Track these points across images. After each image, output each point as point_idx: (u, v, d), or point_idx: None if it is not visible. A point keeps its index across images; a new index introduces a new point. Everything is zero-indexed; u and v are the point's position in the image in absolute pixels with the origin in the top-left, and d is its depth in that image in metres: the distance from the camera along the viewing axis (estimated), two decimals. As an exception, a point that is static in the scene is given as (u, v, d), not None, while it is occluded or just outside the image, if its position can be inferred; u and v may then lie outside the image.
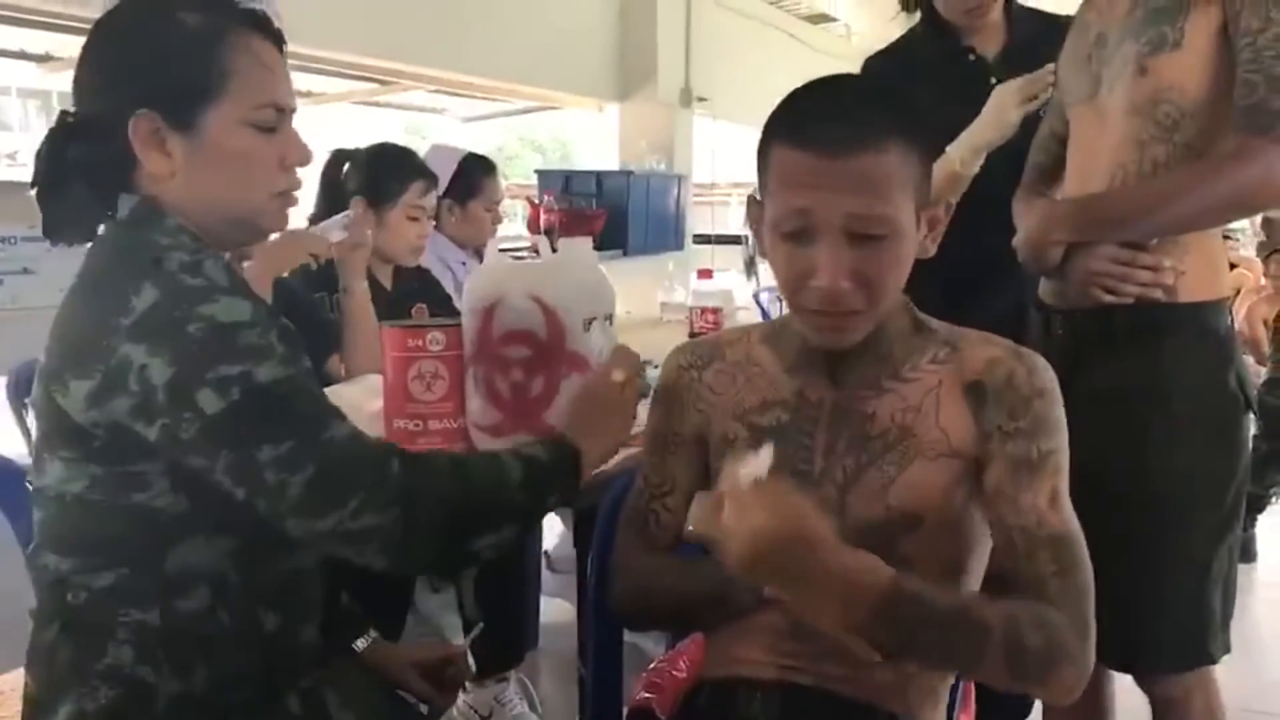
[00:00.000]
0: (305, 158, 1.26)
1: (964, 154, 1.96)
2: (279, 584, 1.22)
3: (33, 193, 1.20)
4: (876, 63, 2.28)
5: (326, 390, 1.72)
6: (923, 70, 2.14)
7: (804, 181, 1.12)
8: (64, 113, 1.20)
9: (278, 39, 1.24)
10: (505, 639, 2.44)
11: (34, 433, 1.20)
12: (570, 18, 5.68)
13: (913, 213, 1.16)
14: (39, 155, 1.18)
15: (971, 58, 2.18)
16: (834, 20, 8.15)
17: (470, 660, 1.72)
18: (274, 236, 1.94)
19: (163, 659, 1.13)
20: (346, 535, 1.07)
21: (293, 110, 1.25)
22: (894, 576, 1.06)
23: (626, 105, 6.15)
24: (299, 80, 5.73)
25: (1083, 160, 1.69)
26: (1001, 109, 1.93)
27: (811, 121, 1.13)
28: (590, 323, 1.60)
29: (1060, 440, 1.18)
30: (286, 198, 1.27)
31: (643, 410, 1.39)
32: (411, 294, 2.50)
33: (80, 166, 1.17)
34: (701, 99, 6.34)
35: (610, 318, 1.68)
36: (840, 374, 1.25)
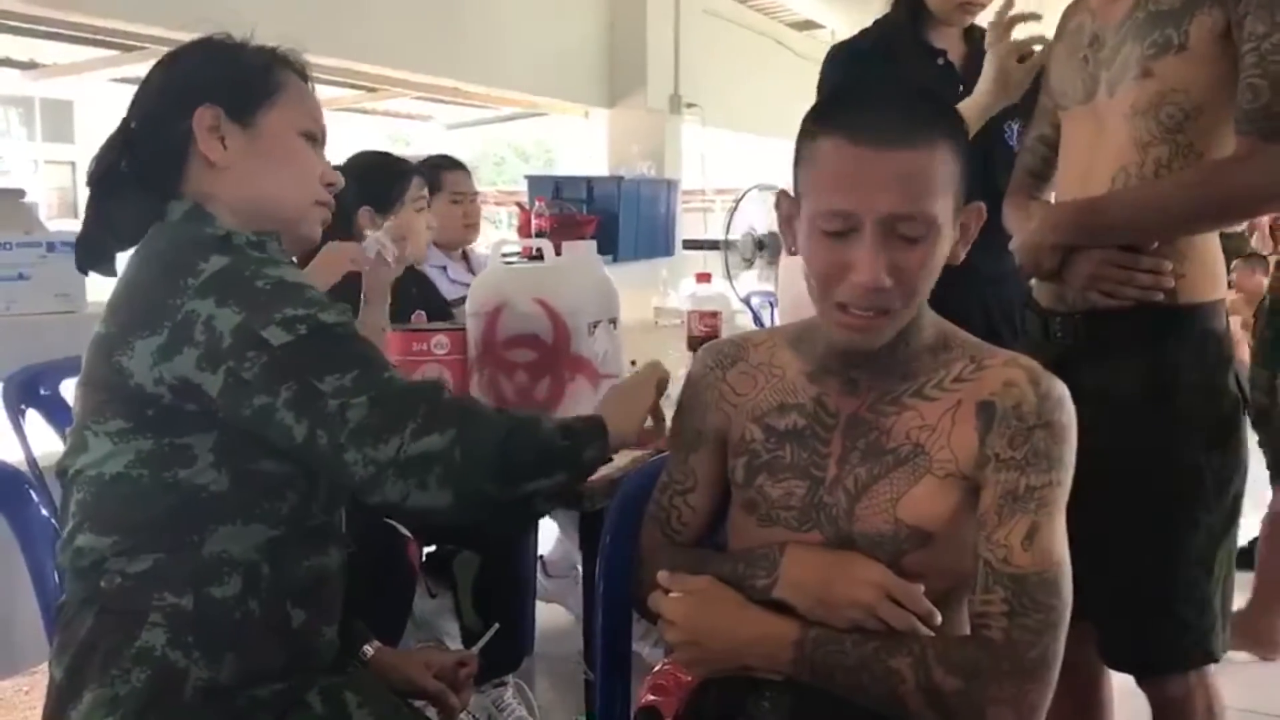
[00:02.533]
0: (338, 180, 1.35)
1: (971, 115, 1.93)
2: (307, 580, 1.24)
3: (83, 210, 1.28)
4: (843, 52, 2.29)
5: None
6: (899, 65, 2.15)
7: (852, 175, 1.12)
8: (125, 120, 1.28)
9: (311, 82, 1.37)
10: (503, 645, 2.42)
11: (77, 411, 1.23)
12: (560, 25, 5.69)
13: (951, 215, 1.16)
14: (95, 164, 1.26)
15: (941, 61, 2.20)
16: (821, 27, 8.18)
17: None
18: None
19: (193, 644, 1.15)
20: (409, 462, 1.08)
21: (325, 140, 1.36)
22: (802, 626, 1.17)
23: (616, 111, 6.16)
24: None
25: (1080, 163, 1.69)
26: (1004, 70, 1.89)
27: (863, 115, 1.13)
28: (595, 326, 1.61)
29: (1056, 476, 1.16)
30: (325, 209, 1.34)
31: (667, 410, 1.40)
32: (408, 300, 2.50)
33: (134, 170, 1.25)
34: (691, 105, 6.35)
35: (615, 321, 1.69)
36: (863, 385, 1.25)
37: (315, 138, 1.33)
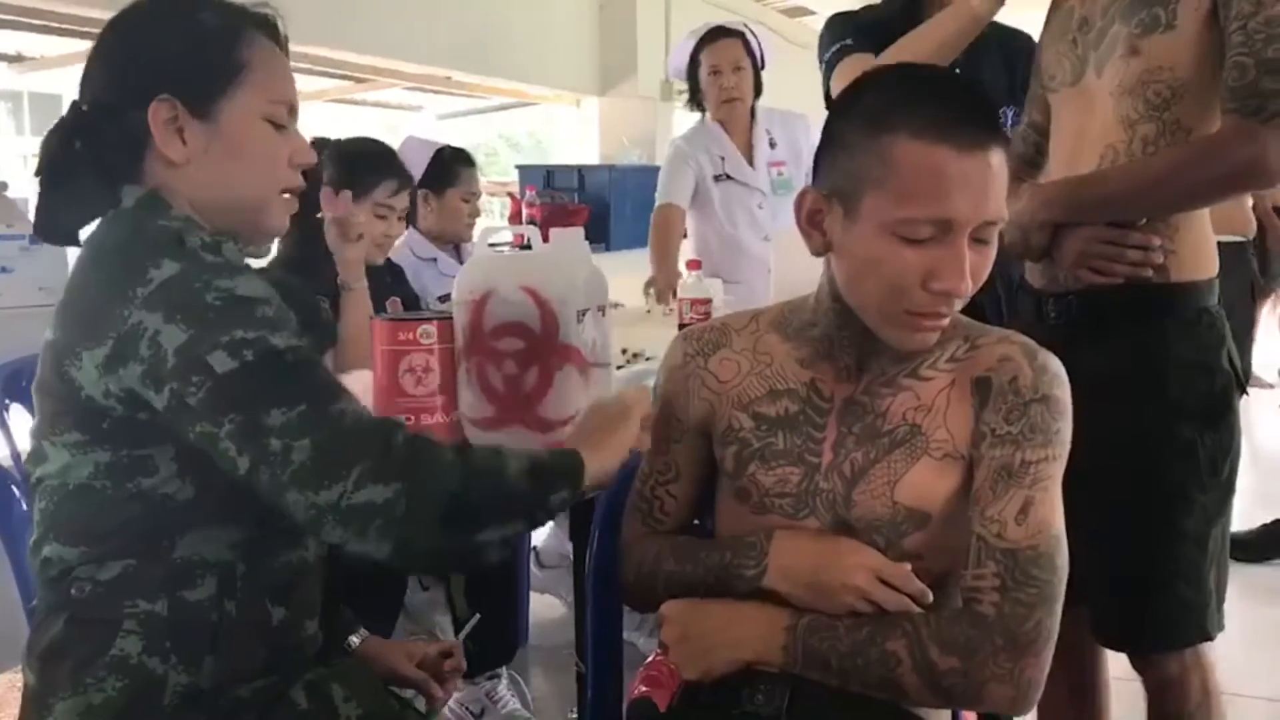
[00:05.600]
0: (310, 158, 1.28)
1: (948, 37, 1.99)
2: (285, 576, 1.22)
3: (35, 184, 1.19)
4: (848, 24, 2.30)
5: None
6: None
7: (951, 181, 1.08)
8: (75, 103, 1.20)
9: (284, 43, 1.27)
10: (496, 636, 2.42)
11: (35, 418, 1.18)
12: (548, 11, 5.66)
13: None
14: (46, 145, 1.18)
15: None
16: (812, 14, 8.15)
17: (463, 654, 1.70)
18: None
19: (170, 650, 1.12)
20: (350, 511, 1.01)
21: (298, 110, 1.27)
22: (793, 613, 1.17)
23: (606, 99, 6.13)
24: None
25: (1069, 143, 1.69)
26: None
27: (946, 113, 1.09)
28: (584, 314, 1.59)
29: (1052, 451, 1.15)
30: (293, 197, 1.28)
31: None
32: (382, 289, 2.47)
33: (89, 156, 1.17)
34: (682, 91, 6.32)
35: (604, 309, 1.66)
36: (860, 369, 1.23)
37: (283, 119, 1.24)
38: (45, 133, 1.19)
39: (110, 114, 1.17)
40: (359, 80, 5.88)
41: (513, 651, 2.55)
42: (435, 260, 3.01)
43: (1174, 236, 1.57)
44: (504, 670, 2.50)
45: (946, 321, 1.16)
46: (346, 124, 7.63)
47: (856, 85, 1.20)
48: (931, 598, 1.15)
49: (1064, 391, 1.18)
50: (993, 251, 1.14)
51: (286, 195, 1.27)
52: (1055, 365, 1.19)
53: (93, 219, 1.19)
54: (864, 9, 2.35)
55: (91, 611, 1.13)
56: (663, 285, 3.35)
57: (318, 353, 2.20)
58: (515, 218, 4.59)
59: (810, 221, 1.19)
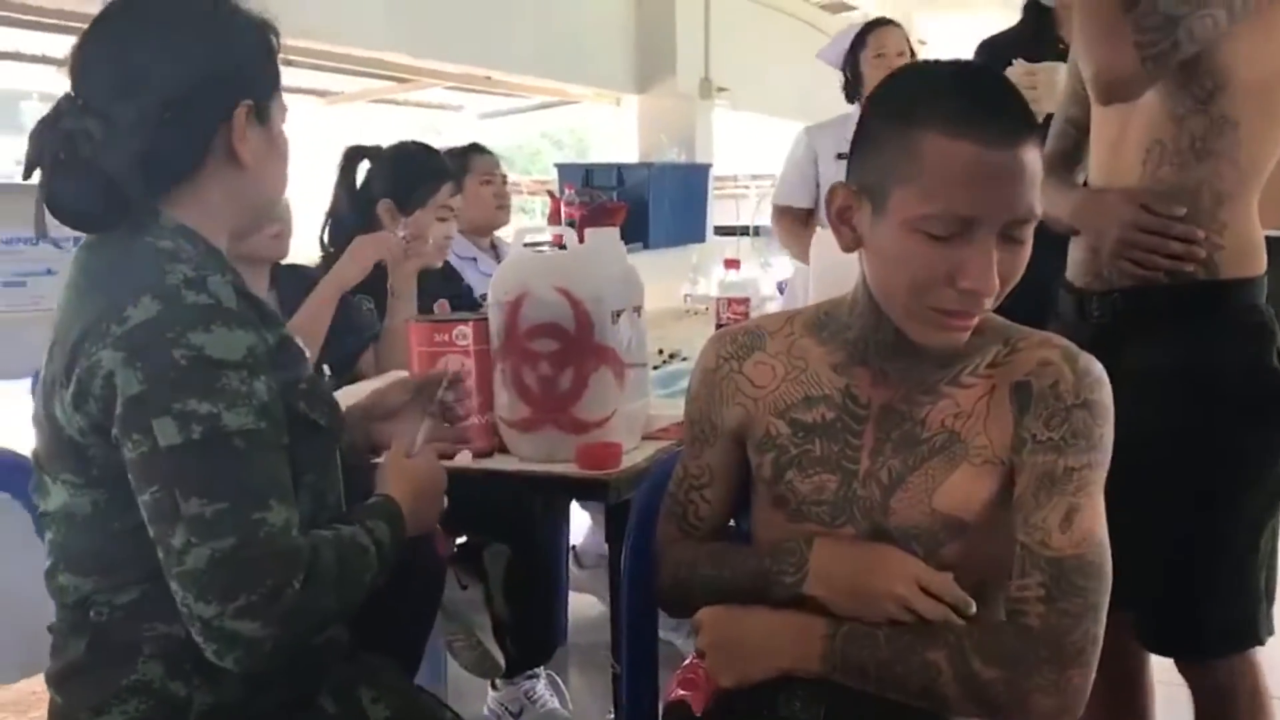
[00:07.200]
0: None
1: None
2: None
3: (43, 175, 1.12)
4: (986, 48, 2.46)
5: (349, 389, 1.74)
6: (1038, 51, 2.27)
7: (977, 177, 1.04)
8: (148, 96, 1.11)
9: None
10: (535, 635, 2.42)
11: (37, 443, 1.17)
12: (587, 10, 5.65)
13: None
14: (45, 138, 1.11)
15: (1062, 46, 2.24)
16: (853, 9, 8.09)
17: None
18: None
19: (192, 671, 1.12)
20: (217, 631, 1.01)
21: None
22: (832, 621, 1.16)
23: (645, 97, 6.12)
24: (315, 80, 5.73)
25: (1110, 139, 1.66)
26: None
27: (978, 108, 1.05)
28: (619, 315, 1.58)
29: (1096, 457, 1.13)
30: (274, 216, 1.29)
31: (674, 408, 1.37)
32: (434, 289, 2.49)
33: (152, 154, 1.11)
34: (721, 89, 6.29)
35: (639, 309, 1.66)
36: (896, 374, 1.20)
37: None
38: (46, 123, 1.11)
39: (185, 114, 1.12)
40: (400, 80, 5.90)
41: (551, 651, 2.54)
42: (475, 260, 3.02)
43: (1221, 231, 1.54)
44: (542, 670, 2.50)
45: (975, 321, 1.13)
46: (387, 124, 7.66)
47: (890, 79, 1.18)
48: (974, 607, 1.13)
49: (1106, 395, 1.15)
50: (1026, 250, 1.10)
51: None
52: (1097, 369, 1.16)
53: (116, 218, 1.13)
54: (1004, 33, 2.46)
55: (112, 635, 1.13)
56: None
57: (348, 358, 2.25)
58: (555, 217, 4.59)
59: (840, 218, 1.16)
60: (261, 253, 2.11)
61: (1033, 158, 1.07)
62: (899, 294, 1.13)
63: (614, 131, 6.61)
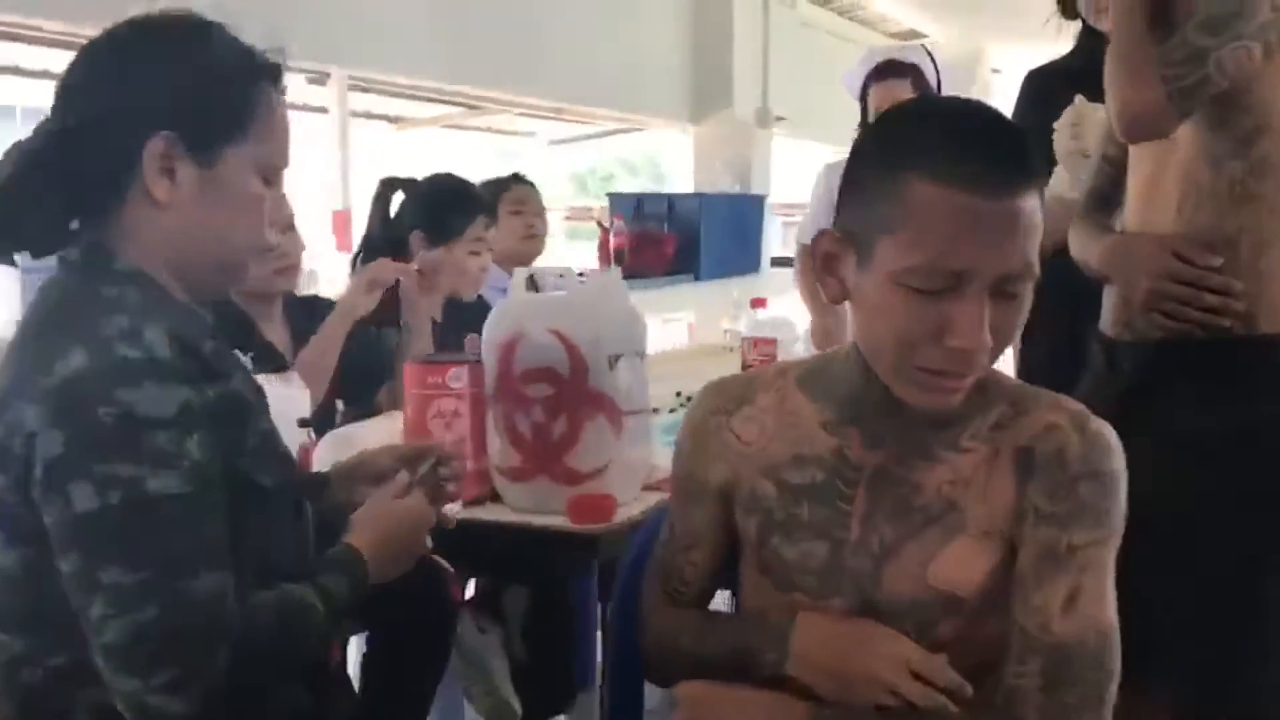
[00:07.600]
0: (287, 219, 1.23)
1: None
2: None
3: None
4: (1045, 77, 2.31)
5: (336, 436, 1.69)
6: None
7: (968, 230, 0.96)
8: (56, 117, 1.10)
9: (284, 95, 1.20)
10: (553, 681, 2.36)
11: None
12: (642, 40, 5.65)
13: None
14: (18, 156, 1.08)
15: None
16: (925, 36, 7.99)
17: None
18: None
19: None
20: (139, 707, 0.96)
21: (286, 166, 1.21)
22: (813, 706, 1.08)
23: (702, 127, 6.09)
24: (387, 106, 5.79)
25: (1145, 181, 1.58)
26: None
27: (970, 154, 0.97)
28: (616, 359, 1.52)
29: (1103, 533, 1.05)
30: (269, 256, 1.21)
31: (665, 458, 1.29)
32: (464, 324, 2.45)
33: (62, 177, 1.07)
34: (780, 118, 6.23)
35: (641, 354, 1.59)
36: (890, 436, 1.12)
37: (275, 176, 1.17)
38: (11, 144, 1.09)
39: (101, 137, 1.07)
40: (471, 107, 5.94)
41: (572, 697, 2.47)
42: (506, 291, 2.98)
43: (1259, 282, 1.44)
44: (563, 717, 2.43)
45: (968, 382, 1.04)
46: (459, 149, 7.72)
47: (881, 117, 1.10)
48: (970, 691, 1.05)
49: (1118, 465, 1.06)
50: (1024, 305, 1.02)
51: (265, 253, 1.22)
52: (1109, 436, 1.07)
53: (53, 245, 1.11)
54: (1052, 61, 2.33)
55: (43, 699, 1.08)
56: (816, 329, 3.21)
57: (364, 393, 2.21)
58: (604, 246, 4.56)
59: (826, 267, 1.08)
60: (265, 287, 2.08)
61: (1031, 207, 0.98)
62: (885, 351, 1.05)
63: (688, 156, 6.59)
